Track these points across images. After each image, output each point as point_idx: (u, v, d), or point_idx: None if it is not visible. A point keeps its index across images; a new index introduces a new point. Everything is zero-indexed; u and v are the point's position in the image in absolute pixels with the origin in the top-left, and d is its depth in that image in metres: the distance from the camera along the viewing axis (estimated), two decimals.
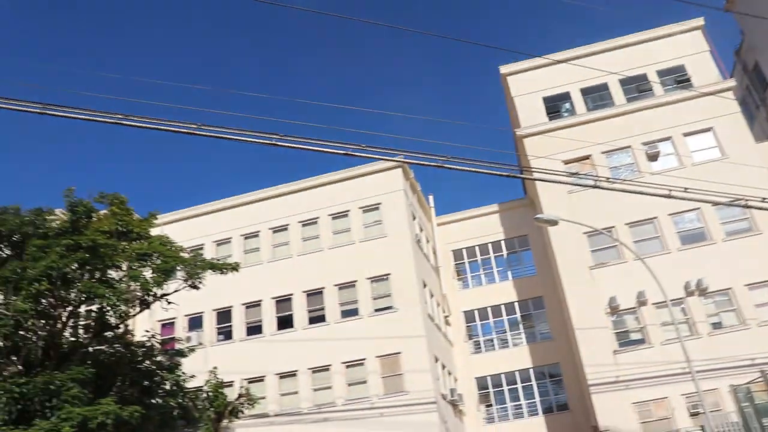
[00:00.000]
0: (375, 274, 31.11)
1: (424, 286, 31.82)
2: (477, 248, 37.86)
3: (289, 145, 10.70)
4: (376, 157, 11.63)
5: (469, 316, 36.34)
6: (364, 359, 29.40)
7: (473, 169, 11.94)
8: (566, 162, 31.96)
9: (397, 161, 32.36)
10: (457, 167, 11.61)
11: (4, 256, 24.13)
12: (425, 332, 29.31)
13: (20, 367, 22.33)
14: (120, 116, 11.14)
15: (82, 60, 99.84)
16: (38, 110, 11.04)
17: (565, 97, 34.79)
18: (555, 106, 34.87)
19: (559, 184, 29.29)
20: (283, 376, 30.37)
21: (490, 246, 37.70)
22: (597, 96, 34.31)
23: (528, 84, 35.65)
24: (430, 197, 38.35)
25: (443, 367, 31.08)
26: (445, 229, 38.44)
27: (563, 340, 33.03)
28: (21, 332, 22.33)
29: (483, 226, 38.09)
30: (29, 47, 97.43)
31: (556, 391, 33.44)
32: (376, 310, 30.41)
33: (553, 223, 23.06)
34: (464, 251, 38.00)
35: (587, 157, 32.30)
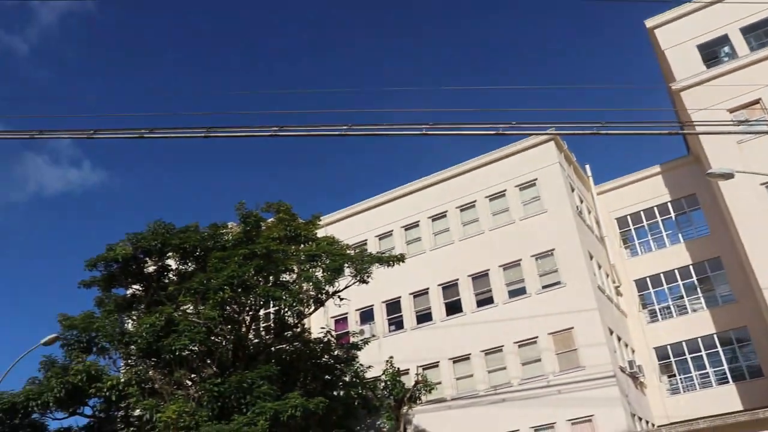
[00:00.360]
0: (539, 250, 30.59)
1: (591, 258, 30.90)
2: (642, 213, 36.11)
3: (441, 132, 10.82)
4: (528, 132, 11.50)
5: (641, 284, 34.78)
6: (536, 337, 29.04)
7: (631, 132, 11.48)
8: (731, 110, 29.67)
9: (549, 134, 31.84)
10: (614, 132, 11.21)
11: (190, 270, 26.25)
12: (597, 305, 28.46)
13: (215, 369, 24.19)
14: (276, 128, 11.77)
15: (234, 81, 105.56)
16: (203, 134, 11.92)
17: (723, 40, 32.30)
18: (712, 52, 32.49)
19: (727, 135, 27.38)
20: (456, 360, 30.66)
21: (656, 209, 35.83)
22: (761, 33, 31.54)
23: (678, 34, 33.48)
24: (587, 166, 37.11)
25: (619, 339, 30.05)
26: (606, 198, 37.03)
27: (749, 302, 30.74)
28: (212, 338, 24.20)
29: (646, 189, 36.25)
30: (190, 76, 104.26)
31: (747, 356, 31.26)
32: (544, 287, 29.91)
33: (728, 176, 21.34)
34: (629, 218, 36.39)
35: (756, 102, 29.79)
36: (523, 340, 29.29)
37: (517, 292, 30.51)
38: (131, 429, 25.34)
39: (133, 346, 23.60)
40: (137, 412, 23.93)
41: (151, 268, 26.84)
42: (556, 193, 31.32)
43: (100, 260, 25.60)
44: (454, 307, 31.83)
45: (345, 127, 11.24)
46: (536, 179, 32.08)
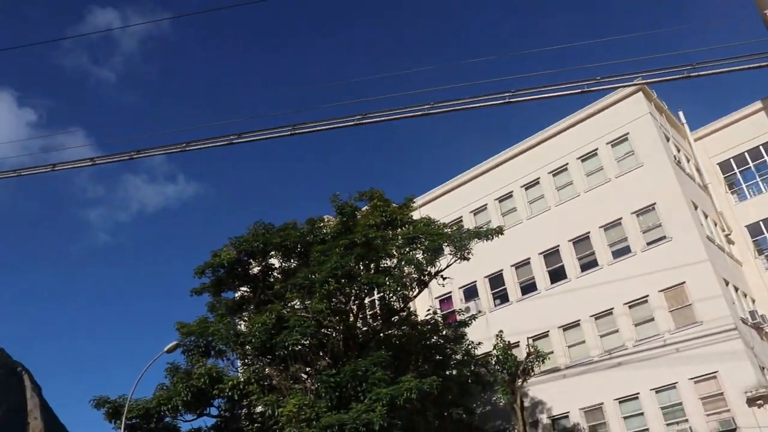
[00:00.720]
0: (639, 206, 29.58)
1: (695, 208, 29.61)
2: (746, 154, 34.15)
3: (525, 98, 10.61)
4: (614, 86, 11.09)
5: (754, 229, 32.99)
6: (646, 296, 28.16)
7: (724, 70, 10.86)
8: None
9: (636, 84, 30.62)
10: (705, 72, 10.67)
11: (294, 266, 26.90)
12: (707, 256, 27.28)
13: (328, 360, 24.73)
14: (359, 116, 11.86)
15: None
16: (288, 133, 12.15)
17: None
18: None
19: None
20: (566, 328, 30.14)
21: (761, 149, 33.80)
22: None
23: None
24: (680, 113, 35.53)
25: (736, 289, 28.72)
26: (705, 143, 35.28)
27: None
28: (322, 330, 24.74)
29: (748, 128, 34.21)
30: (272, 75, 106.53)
31: None
32: (649, 244, 28.92)
33: None
34: (732, 161, 34.54)
35: None
36: (633, 300, 28.46)
37: (621, 252, 29.66)
38: (255, 425, 26.28)
39: (248, 346, 24.40)
40: (259, 409, 24.78)
41: (255, 269, 27.63)
42: (651, 145, 30.17)
43: (207, 267, 26.58)
44: (557, 275, 31.27)
45: (427, 106, 11.21)
46: (628, 133, 31.01)
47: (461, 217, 35.35)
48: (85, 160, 13.23)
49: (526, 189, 33.83)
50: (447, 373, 27.23)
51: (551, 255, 31.75)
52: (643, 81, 11.07)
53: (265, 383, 24.50)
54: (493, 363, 26.86)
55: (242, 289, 28.14)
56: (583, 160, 32.18)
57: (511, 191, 34.26)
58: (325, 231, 26.76)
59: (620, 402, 27.50)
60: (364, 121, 11.69)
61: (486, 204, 35.04)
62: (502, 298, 32.98)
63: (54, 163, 13.23)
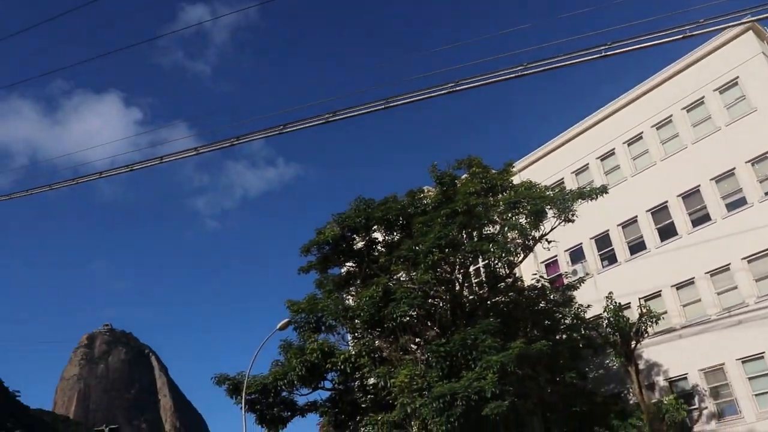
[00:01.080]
0: (754, 155, 27.88)
1: None
2: None
3: (622, 50, 10.16)
4: (720, 27, 10.41)
5: None
6: (766, 250, 26.68)
7: None
8: None
9: (746, 23, 28.71)
10: None
11: (397, 239, 27.12)
12: None
13: (437, 330, 24.89)
14: (452, 84, 11.73)
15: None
16: (382, 106, 12.18)
17: None
18: None
19: None
20: (679, 286, 29.01)
21: None
22: None
23: None
24: None
25: None
26: None
27: None
28: (429, 300, 24.90)
29: None
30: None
31: None
32: (767, 193, 27.33)
33: None
34: None
35: None
36: (753, 255, 26.99)
37: (736, 204, 28.16)
38: (369, 396, 26.84)
39: (357, 320, 24.86)
40: (371, 381, 25.27)
41: (359, 244, 28.03)
42: (764, 87, 28.31)
43: (313, 245, 27.18)
44: (667, 231, 30.08)
45: (520, 67, 10.94)
46: (737, 77, 29.22)
47: (562, 178, 34.53)
48: (189, 150, 13.72)
49: (629, 145, 32.60)
50: (557, 337, 26.87)
51: (659, 212, 30.54)
52: (753, 18, 10.33)
53: (376, 355, 24.95)
54: (604, 326, 26.26)
55: (348, 264, 28.64)
56: (688, 110, 30.62)
57: (613, 148, 33.10)
58: (425, 202, 26.79)
59: (743, 362, 26.30)
60: (457, 89, 11.54)
61: (587, 163, 34.06)
62: (609, 259, 32.10)
63: (161, 156, 13.81)
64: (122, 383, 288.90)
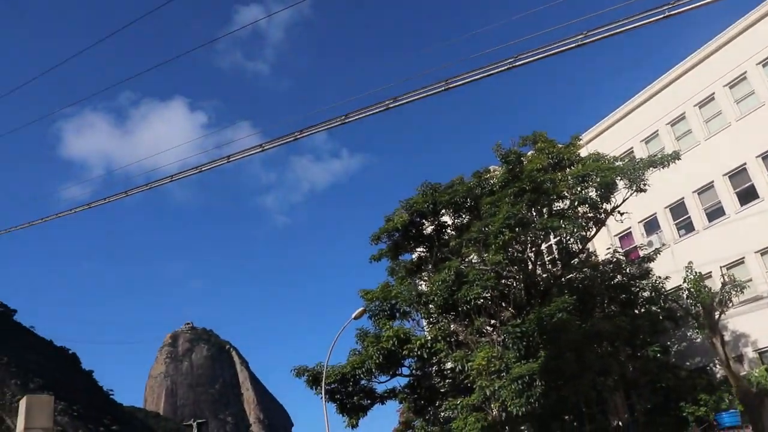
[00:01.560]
0: None
1: None
2: None
3: (688, 7, 9.71)
4: None
5: None
6: None
7: None
8: None
9: None
10: None
11: (466, 221, 26.97)
12: None
13: (512, 311, 24.65)
14: (511, 59, 11.50)
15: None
16: (443, 88, 12.04)
17: None
18: None
19: None
20: (764, 252, 27.72)
21: None
22: None
23: None
24: None
25: None
26: None
27: None
28: (502, 281, 24.69)
29: None
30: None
31: None
32: None
33: None
34: None
35: None
36: None
37: None
38: (447, 381, 26.84)
39: (431, 305, 24.85)
40: (449, 365, 25.24)
41: (429, 229, 28.01)
42: None
43: (382, 232, 27.32)
44: (747, 195, 28.77)
45: (581, 36, 10.63)
46: None
47: (631, 148, 33.49)
48: (255, 147, 13.88)
49: (701, 107, 31.29)
50: (635, 311, 26.25)
51: (738, 175, 29.23)
52: None
53: (452, 339, 24.93)
54: (685, 297, 25.48)
55: (418, 249, 28.66)
56: (765, 65, 29.09)
57: (683, 112, 31.83)
58: (492, 182, 26.50)
59: None
60: (516, 64, 11.31)
61: (657, 130, 32.91)
62: (686, 227, 31.05)
63: (228, 155, 14.03)
64: (206, 379, 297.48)
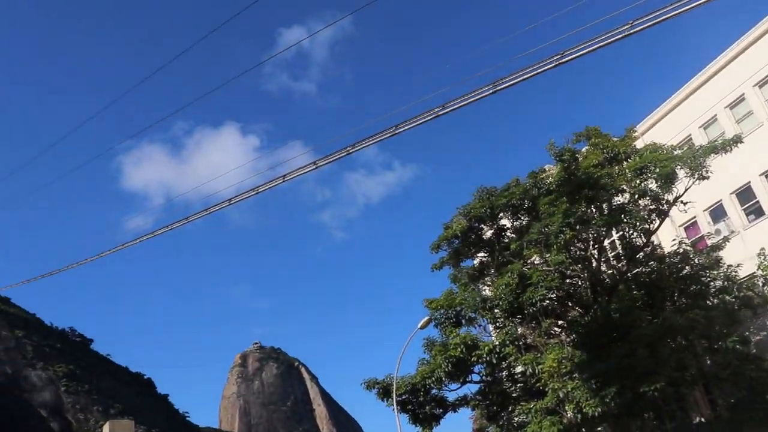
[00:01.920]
0: None
1: None
2: None
3: None
4: None
5: None
6: None
7: None
8: None
9: None
10: None
11: (525, 223, 26.73)
12: None
13: (579, 310, 24.29)
14: (557, 56, 11.39)
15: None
16: (490, 92, 12.00)
17: None
18: None
19: None
20: None
21: None
22: None
23: None
24: None
25: None
26: None
27: None
28: (567, 281, 24.37)
29: None
30: None
31: None
32: None
33: None
34: None
35: None
36: None
37: None
38: (518, 385, 26.56)
39: (496, 310, 24.67)
40: (519, 369, 25.00)
41: (488, 233, 27.86)
42: None
43: (442, 240, 27.31)
44: None
45: (627, 27, 10.49)
46: None
47: (690, 135, 32.61)
48: (309, 165, 14.11)
49: (760, 87, 30.28)
50: (708, 303, 25.51)
51: None
52: None
53: (521, 343, 24.68)
54: (761, 284, 24.66)
55: (479, 255, 28.53)
56: None
57: (742, 93, 30.82)
58: (548, 181, 26.17)
59: None
60: (563, 60, 11.22)
61: (715, 114, 31.96)
62: (755, 212, 30.02)
63: (284, 175, 14.28)
64: (277, 396, 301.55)
